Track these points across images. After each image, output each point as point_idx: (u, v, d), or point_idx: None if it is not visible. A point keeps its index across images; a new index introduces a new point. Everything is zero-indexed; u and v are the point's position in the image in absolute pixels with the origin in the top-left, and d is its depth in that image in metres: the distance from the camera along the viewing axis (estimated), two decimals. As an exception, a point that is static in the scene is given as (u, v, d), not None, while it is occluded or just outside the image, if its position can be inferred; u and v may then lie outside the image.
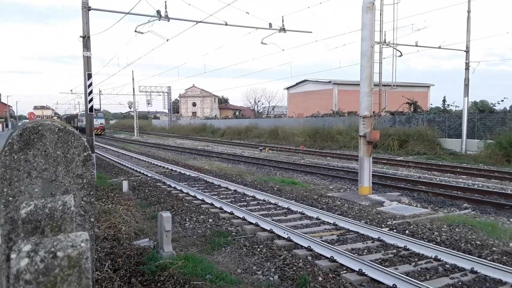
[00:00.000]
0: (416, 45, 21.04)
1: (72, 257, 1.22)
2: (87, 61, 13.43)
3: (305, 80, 51.06)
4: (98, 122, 52.96)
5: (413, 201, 9.92)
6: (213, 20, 16.20)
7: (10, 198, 2.30)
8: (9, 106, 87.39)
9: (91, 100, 13.69)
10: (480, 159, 18.28)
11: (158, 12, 15.12)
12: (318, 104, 44.80)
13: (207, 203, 9.46)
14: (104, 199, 9.40)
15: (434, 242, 6.42)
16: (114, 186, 11.71)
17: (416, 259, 5.70)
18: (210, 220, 7.97)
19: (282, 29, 17.09)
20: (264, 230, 7.15)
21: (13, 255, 1.21)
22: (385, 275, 4.93)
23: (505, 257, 5.80)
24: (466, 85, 21.53)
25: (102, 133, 55.42)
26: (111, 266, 5.15)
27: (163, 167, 16.98)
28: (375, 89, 10.48)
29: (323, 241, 6.26)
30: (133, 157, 21.92)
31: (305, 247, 6.15)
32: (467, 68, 21.53)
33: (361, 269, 5.17)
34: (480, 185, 12.01)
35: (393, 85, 11.60)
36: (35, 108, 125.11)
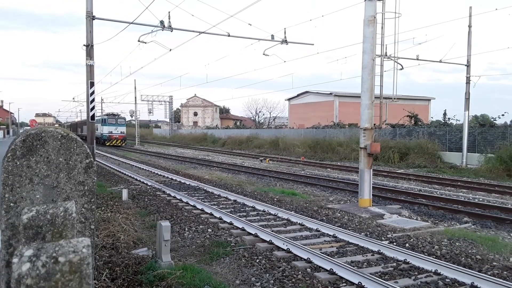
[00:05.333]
0: (417, 59, 21.16)
1: (74, 263, 1.23)
2: (90, 70, 13.52)
3: (306, 92, 51.31)
4: (118, 130, 43.59)
5: (413, 214, 9.88)
6: (216, 31, 16.43)
7: (11, 204, 2.30)
8: (11, 113, 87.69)
9: (93, 108, 13.75)
10: (481, 173, 18.26)
11: (162, 22, 15.29)
12: (319, 115, 44.95)
13: (207, 213, 9.43)
14: (103, 207, 9.38)
15: (434, 256, 6.38)
16: (113, 194, 11.70)
17: (416, 273, 5.66)
18: (209, 230, 7.94)
19: (284, 41, 17.25)
20: (263, 241, 7.11)
21: (15, 260, 1.21)
22: (384, 288, 4.89)
23: (505, 272, 5.76)
24: (467, 99, 21.62)
25: (123, 144, 43.60)
26: (108, 275, 5.12)
27: (163, 176, 16.97)
28: (376, 101, 10.52)
29: (323, 253, 6.23)
30: (133, 165, 21.92)
31: (305, 259, 6.12)
32: (468, 82, 21.64)
33: (360, 282, 5.14)
34: (481, 199, 11.97)
35: (394, 98, 11.65)
36: (37, 115, 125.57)
